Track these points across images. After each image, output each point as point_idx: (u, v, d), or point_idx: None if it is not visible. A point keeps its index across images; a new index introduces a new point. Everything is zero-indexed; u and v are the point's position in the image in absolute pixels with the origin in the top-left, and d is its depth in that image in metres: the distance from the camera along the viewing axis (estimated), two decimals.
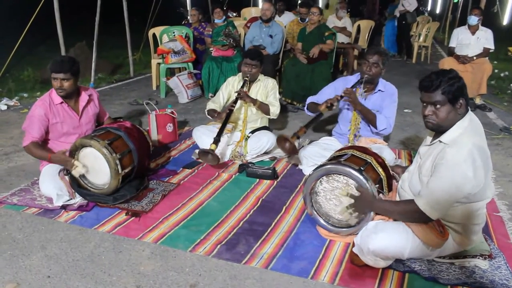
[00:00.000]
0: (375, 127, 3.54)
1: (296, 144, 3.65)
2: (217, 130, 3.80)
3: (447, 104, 2.17)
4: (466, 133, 2.16)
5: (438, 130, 2.26)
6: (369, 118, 3.54)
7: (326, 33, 6.05)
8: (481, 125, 2.27)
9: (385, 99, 3.60)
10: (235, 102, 3.89)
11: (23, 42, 6.17)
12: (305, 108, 3.89)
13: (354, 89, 3.55)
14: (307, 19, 6.31)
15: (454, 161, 2.09)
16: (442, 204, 2.15)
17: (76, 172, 3.03)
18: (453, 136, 2.18)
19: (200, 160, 3.90)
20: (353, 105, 3.57)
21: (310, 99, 3.87)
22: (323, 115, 3.61)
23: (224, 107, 4.16)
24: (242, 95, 3.89)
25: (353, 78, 3.71)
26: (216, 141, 3.60)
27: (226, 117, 3.80)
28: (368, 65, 3.50)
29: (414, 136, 4.66)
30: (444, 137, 2.21)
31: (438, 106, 2.19)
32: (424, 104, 2.26)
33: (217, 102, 4.17)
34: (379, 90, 3.62)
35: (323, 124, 5.09)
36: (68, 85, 3.17)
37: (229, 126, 4.14)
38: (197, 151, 4.08)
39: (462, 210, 2.24)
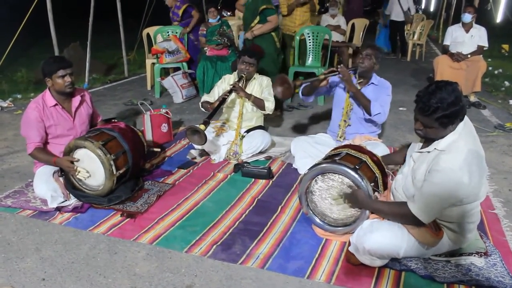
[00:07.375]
0: (369, 113, 3.53)
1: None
2: (212, 130, 3.76)
3: (439, 128, 2.12)
4: (461, 138, 2.12)
5: (428, 140, 2.24)
6: (363, 102, 3.55)
7: (263, 7, 4.98)
8: (473, 126, 2.25)
9: (379, 92, 3.62)
10: (229, 92, 3.86)
11: (16, 43, 6.12)
12: (300, 94, 3.88)
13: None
14: None
15: (450, 168, 2.06)
16: (434, 209, 2.15)
17: (80, 176, 3.05)
18: (447, 142, 2.14)
19: (195, 161, 3.89)
20: (346, 85, 3.60)
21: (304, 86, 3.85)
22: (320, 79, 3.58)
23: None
24: (236, 88, 3.87)
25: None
26: (206, 122, 3.53)
27: (219, 104, 3.75)
28: (362, 57, 3.58)
29: (409, 134, 4.67)
30: (439, 145, 2.16)
31: (428, 128, 2.15)
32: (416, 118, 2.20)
33: (211, 97, 4.13)
34: (372, 83, 3.65)
35: (316, 123, 5.10)
36: (73, 79, 3.19)
37: (224, 125, 4.13)
38: (192, 151, 4.08)
39: (457, 210, 2.23)
